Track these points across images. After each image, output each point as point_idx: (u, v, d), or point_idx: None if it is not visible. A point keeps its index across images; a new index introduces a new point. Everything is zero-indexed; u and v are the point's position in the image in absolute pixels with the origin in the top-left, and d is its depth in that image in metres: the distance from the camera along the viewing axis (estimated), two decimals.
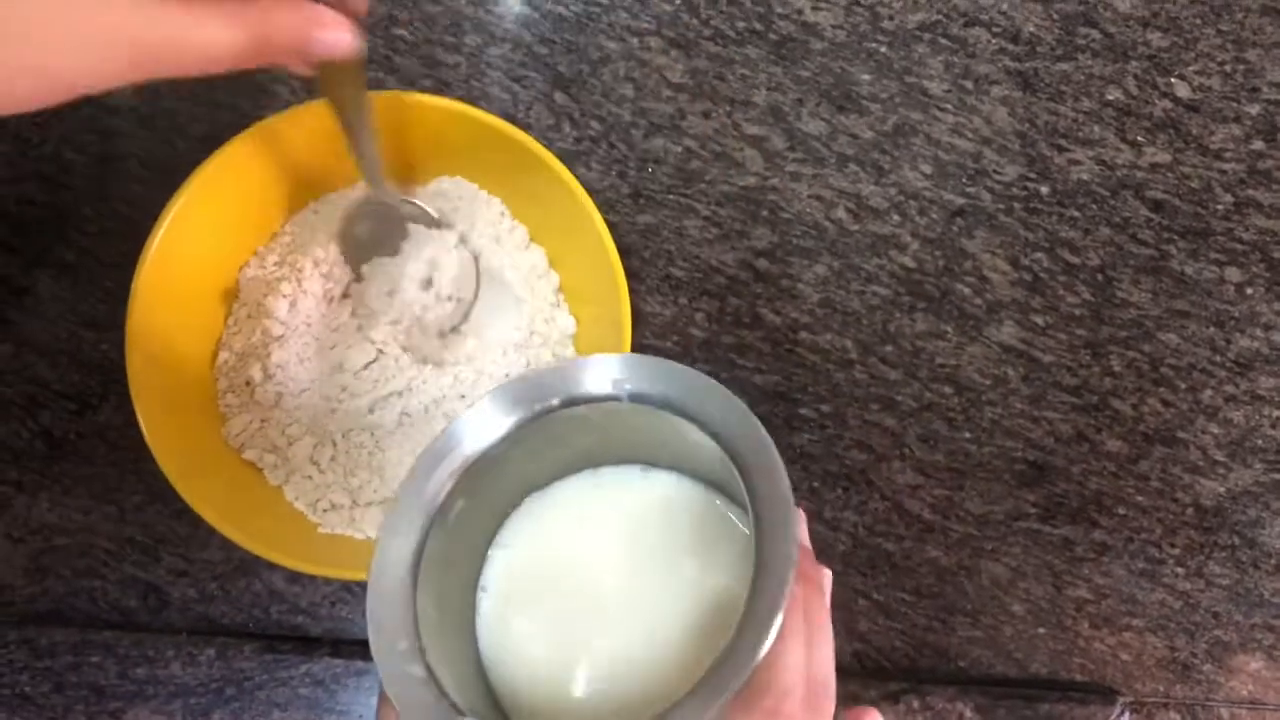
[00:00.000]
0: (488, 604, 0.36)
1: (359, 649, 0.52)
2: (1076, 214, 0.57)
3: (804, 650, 0.29)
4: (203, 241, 0.49)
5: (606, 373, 0.33)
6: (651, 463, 0.37)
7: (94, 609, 0.52)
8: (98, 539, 0.52)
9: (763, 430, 0.30)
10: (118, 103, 0.54)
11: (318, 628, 0.52)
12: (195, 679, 0.51)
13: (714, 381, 0.32)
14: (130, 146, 0.54)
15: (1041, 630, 0.55)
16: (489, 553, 0.37)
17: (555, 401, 0.33)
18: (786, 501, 0.29)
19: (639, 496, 0.37)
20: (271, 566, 0.52)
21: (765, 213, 0.56)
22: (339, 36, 0.34)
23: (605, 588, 0.35)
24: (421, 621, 0.31)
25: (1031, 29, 0.58)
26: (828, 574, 0.35)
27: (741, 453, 0.30)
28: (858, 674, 0.54)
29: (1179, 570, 0.56)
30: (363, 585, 0.52)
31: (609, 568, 0.35)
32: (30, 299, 0.53)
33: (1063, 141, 0.57)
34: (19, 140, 0.54)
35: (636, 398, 0.33)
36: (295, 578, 0.52)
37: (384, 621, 0.31)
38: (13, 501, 0.52)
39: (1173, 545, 0.56)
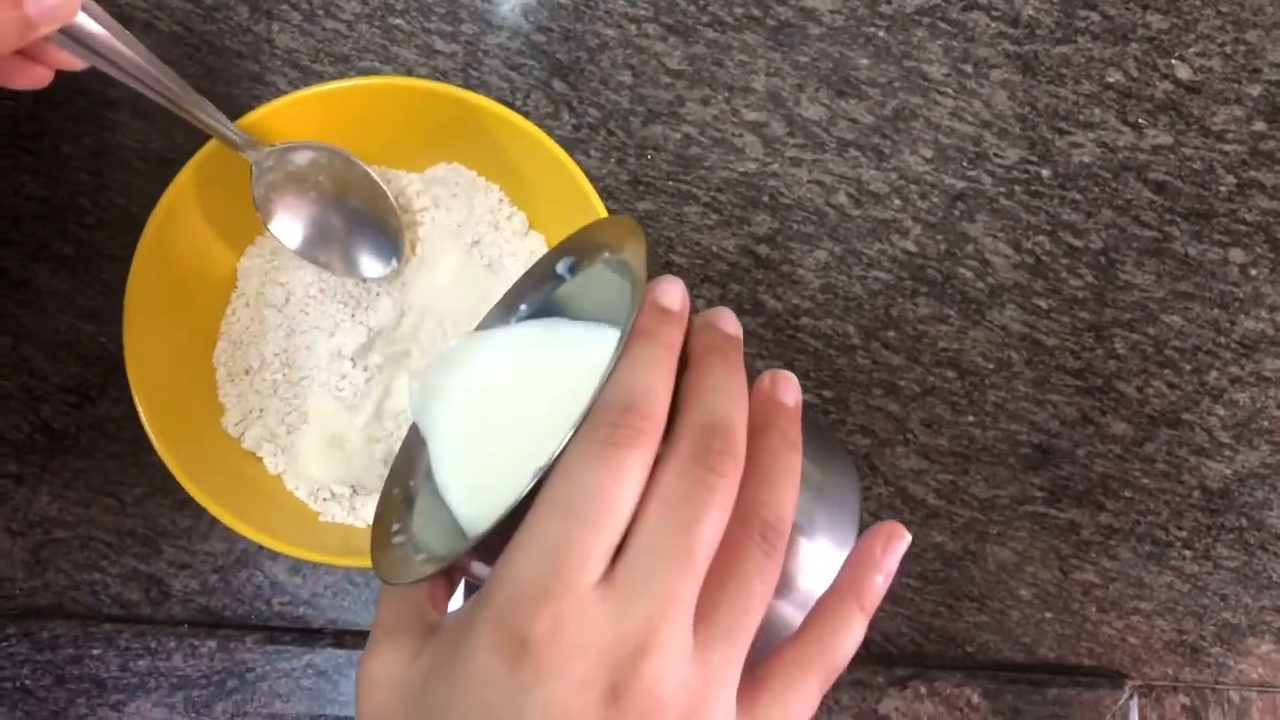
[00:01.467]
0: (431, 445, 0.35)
1: (361, 640, 0.51)
2: (1078, 197, 0.56)
3: (649, 374, 0.27)
4: (198, 232, 0.48)
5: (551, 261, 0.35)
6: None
7: (95, 602, 0.51)
8: (98, 532, 0.52)
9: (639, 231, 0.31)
10: (115, 95, 0.54)
11: (320, 619, 0.52)
12: (197, 670, 0.50)
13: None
14: (127, 138, 0.54)
15: (1048, 615, 0.55)
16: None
17: (523, 307, 0.35)
18: (644, 273, 0.29)
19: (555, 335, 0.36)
20: (273, 558, 0.52)
21: (765, 198, 0.55)
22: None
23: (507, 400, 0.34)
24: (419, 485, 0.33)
25: (1030, 12, 0.57)
26: (788, 379, 0.31)
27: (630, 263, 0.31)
28: (864, 660, 0.54)
29: (1186, 553, 0.55)
30: (363, 575, 0.52)
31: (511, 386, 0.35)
32: (29, 292, 0.53)
33: (1063, 124, 0.57)
34: (15, 134, 0.54)
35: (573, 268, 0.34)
36: (296, 569, 0.52)
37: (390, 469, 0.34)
38: (12, 495, 0.52)
39: (1179, 528, 0.55)
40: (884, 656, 0.54)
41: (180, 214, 0.47)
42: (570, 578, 0.25)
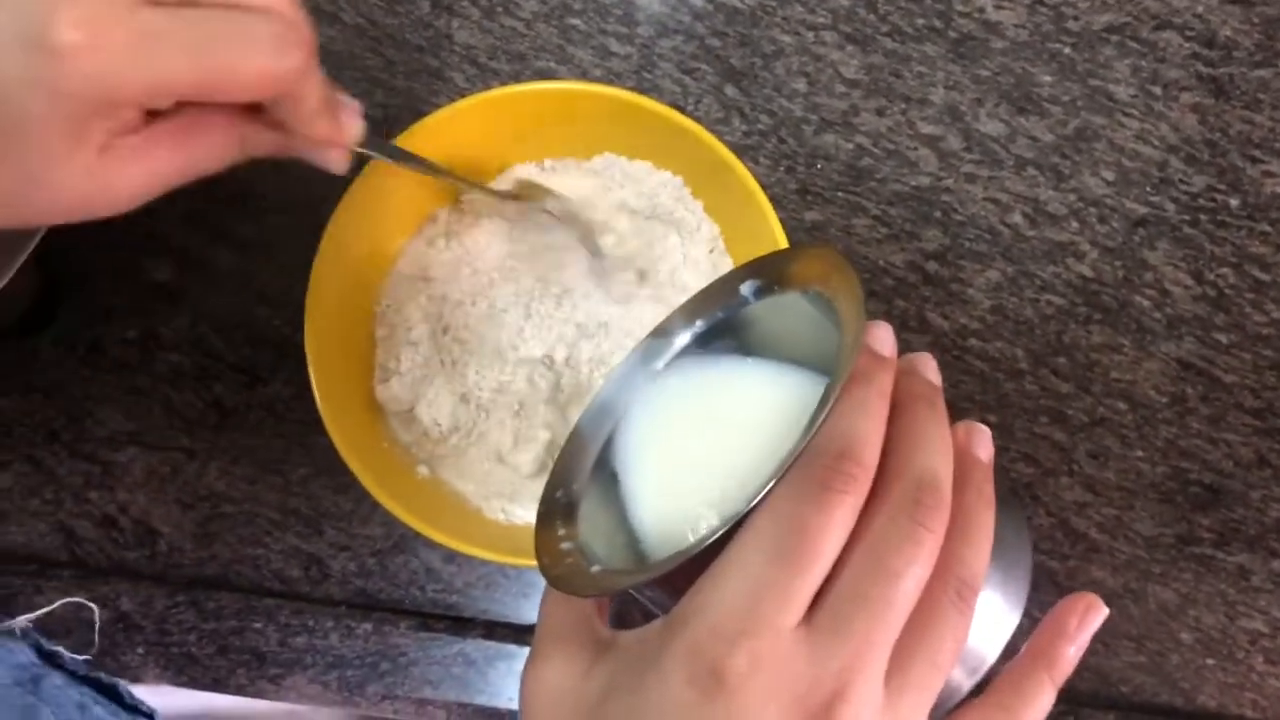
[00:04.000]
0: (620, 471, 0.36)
1: (510, 632, 0.52)
2: (1268, 229, 0.54)
3: (867, 423, 0.27)
4: (379, 223, 0.50)
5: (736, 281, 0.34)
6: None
7: (258, 576, 0.53)
8: (263, 509, 0.53)
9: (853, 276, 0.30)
10: None
11: (471, 608, 0.53)
12: (352, 651, 0.51)
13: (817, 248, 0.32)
14: None
15: (1210, 661, 0.53)
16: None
17: (700, 323, 0.35)
18: (861, 313, 0.29)
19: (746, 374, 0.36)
20: (429, 546, 0.53)
21: (937, 214, 0.54)
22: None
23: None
24: (587, 488, 0.33)
25: (1228, 33, 0.55)
26: (983, 432, 0.30)
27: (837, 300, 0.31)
28: None
29: None
30: (515, 569, 0.53)
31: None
32: (208, 273, 0.55)
33: (1256, 152, 0.54)
34: None
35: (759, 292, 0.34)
36: (451, 558, 0.53)
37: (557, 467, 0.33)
38: (184, 468, 0.53)
39: None
40: None
41: (362, 206, 0.48)
42: (771, 618, 0.25)
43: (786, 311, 0.34)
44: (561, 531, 0.32)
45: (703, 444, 0.33)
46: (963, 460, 0.28)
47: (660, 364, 0.35)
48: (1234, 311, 0.54)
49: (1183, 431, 0.53)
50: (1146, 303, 0.54)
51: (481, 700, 0.51)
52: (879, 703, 0.25)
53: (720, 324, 0.35)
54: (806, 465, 0.26)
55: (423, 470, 0.49)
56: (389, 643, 0.52)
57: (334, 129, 0.37)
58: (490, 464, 0.49)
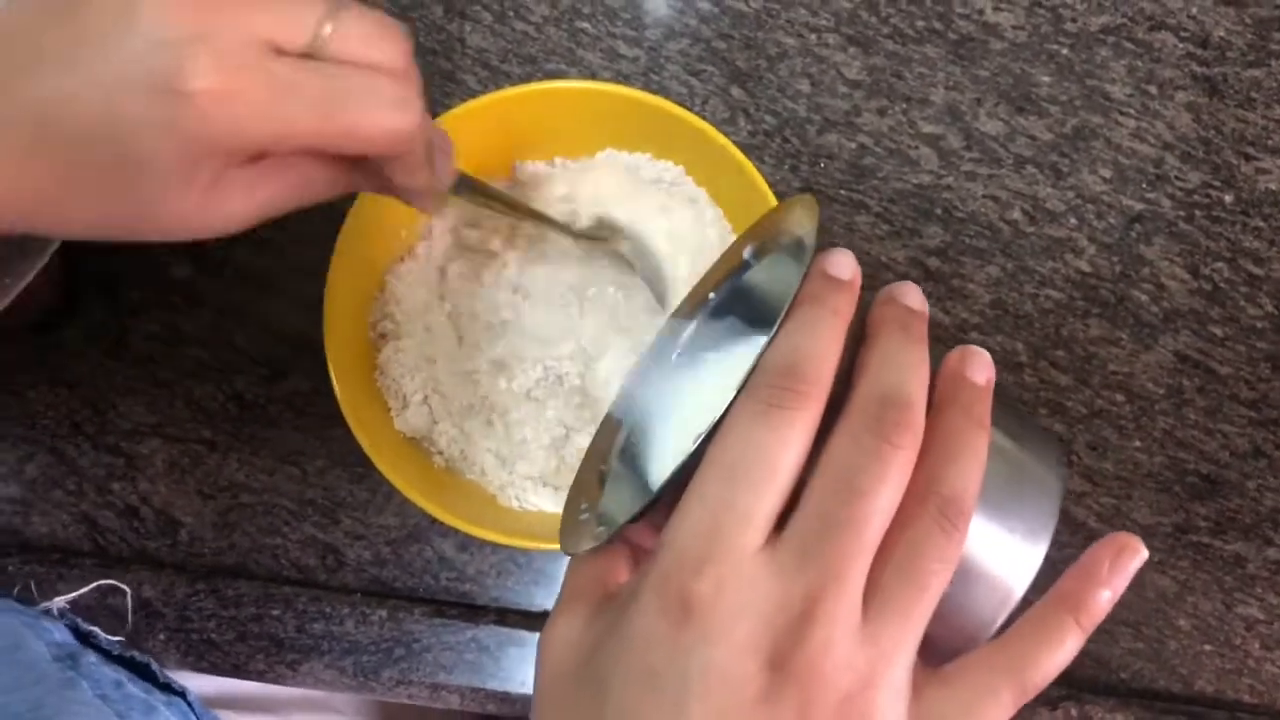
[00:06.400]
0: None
1: (522, 619, 0.53)
2: (1261, 224, 0.55)
3: (814, 341, 0.26)
4: (397, 218, 0.51)
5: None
6: None
7: (275, 565, 0.54)
8: (281, 499, 0.55)
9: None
10: None
11: (484, 596, 0.54)
12: (367, 638, 0.53)
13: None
14: None
15: (1208, 647, 0.54)
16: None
17: (712, 296, 0.36)
18: (813, 242, 0.29)
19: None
20: (443, 535, 0.54)
21: (939, 211, 0.56)
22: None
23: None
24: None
25: (1222, 34, 0.56)
26: (979, 355, 0.28)
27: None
28: None
29: None
30: (526, 556, 0.54)
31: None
32: (230, 270, 0.56)
33: (1250, 149, 0.56)
34: None
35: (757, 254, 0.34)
36: (464, 546, 0.54)
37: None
38: (205, 459, 0.55)
39: None
40: None
41: (378, 205, 0.49)
42: (732, 540, 0.25)
43: (779, 266, 0.34)
44: (583, 505, 0.33)
45: (710, 413, 0.34)
46: (953, 381, 0.28)
47: (678, 343, 0.36)
48: (1229, 305, 0.55)
49: (1180, 423, 0.54)
50: (1143, 297, 0.55)
51: (494, 685, 0.53)
52: (853, 625, 0.25)
53: (730, 296, 0.36)
54: (753, 388, 0.26)
55: (438, 460, 0.51)
56: (404, 629, 0.53)
57: (432, 179, 0.38)
58: (506, 457, 0.51)
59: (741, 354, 0.33)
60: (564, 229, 0.49)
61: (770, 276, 0.35)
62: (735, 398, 0.26)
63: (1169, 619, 0.54)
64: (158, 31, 0.29)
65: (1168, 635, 0.54)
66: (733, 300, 0.36)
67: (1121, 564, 0.28)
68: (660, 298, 0.50)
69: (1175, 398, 0.55)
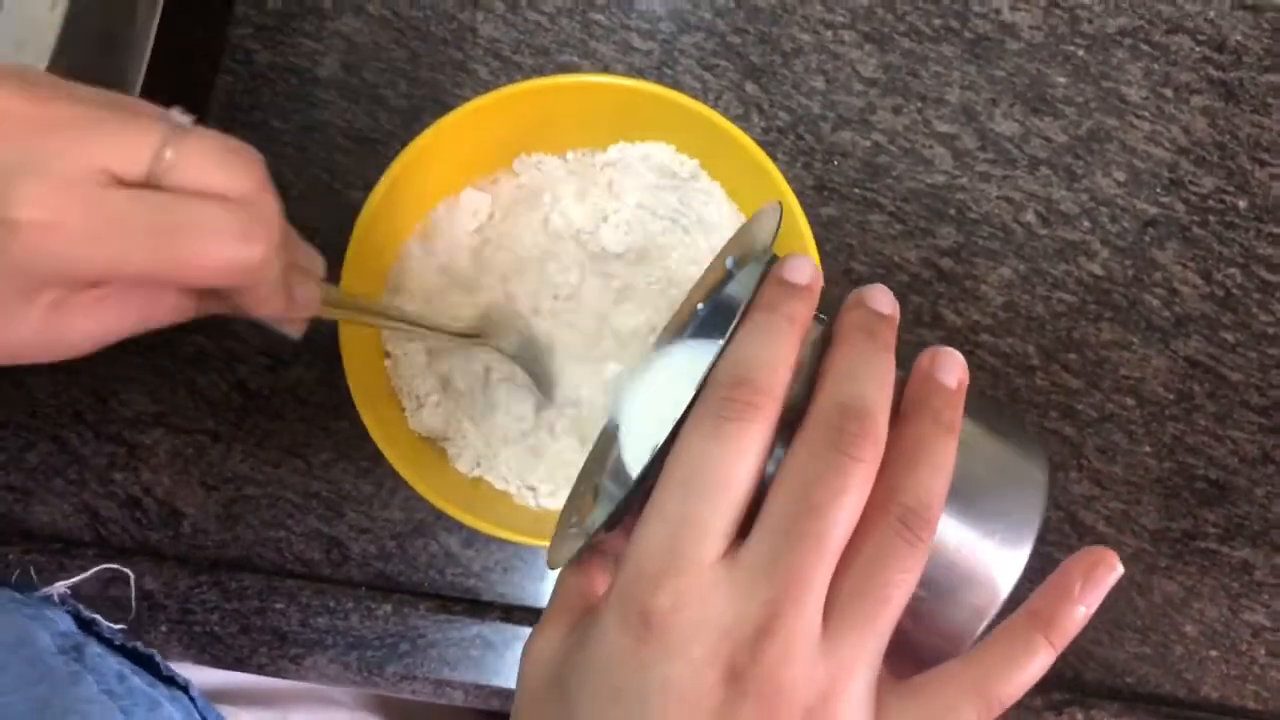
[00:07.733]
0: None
1: (527, 615, 0.53)
2: (1275, 230, 0.55)
3: (765, 349, 0.26)
4: (400, 216, 0.50)
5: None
6: None
7: (279, 558, 0.54)
8: (285, 492, 0.54)
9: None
10: (324, 75, 0.57)
11: (489, 592, 0.53)
12: (372, 632, 0.52)
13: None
14: (333, 116, 0.56)
15: (1214, 653, 0.54)
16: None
17: (700, 307, 0.35)
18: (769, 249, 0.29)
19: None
20: (448, 530, 0.54)
21: (952, 211, 0.55)
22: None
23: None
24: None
25: (1239, 38, 0.56)
26: (950, 356, 0.28)
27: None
28: None
29: None
30: (531, 553, 0.54)
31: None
32: None
33: (1265, 155, 0.55)
34: (230, 106, 0.56)
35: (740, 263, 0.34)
36: (469, 542, 0.54)
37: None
38: (209, 450, 0.54)
39: None
40: (1041, 679, 0.54)
41: (393, 196, 0.49)
42: (689, 554, 0.24)
43: (752, 278, 0.34)
44: (573, 519, 0.33)
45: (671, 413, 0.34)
46: (922, 386, 0.27)
47: (667, 358, 0.36)
48: (1241, 311, 0.55)
49: (1189, 428, 0.54)
50: (1156, 301, 0.55)
51: (498, 682, 0.52)
52: (813, 637, 0.24)
53: (714, 309, 0.35)
54: (704, 400, 0.25)
55: (455, 461, 0.50)
56: (408, 624, 0.52)
57: (287, 306, 0.36)
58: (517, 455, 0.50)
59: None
60: (442, 330, 0.47)
61: (745, 287, 0.35)
62: (687, 411, 0.26)
63: (1175, 624, 0.54)
64: None
65: (1174, 640, 0.54)
66: (715, 313, 0.36)
67: (1095, 579, 0.27)
68: (547, 392, 0.50)
69: (1185, 403, 0.54)
